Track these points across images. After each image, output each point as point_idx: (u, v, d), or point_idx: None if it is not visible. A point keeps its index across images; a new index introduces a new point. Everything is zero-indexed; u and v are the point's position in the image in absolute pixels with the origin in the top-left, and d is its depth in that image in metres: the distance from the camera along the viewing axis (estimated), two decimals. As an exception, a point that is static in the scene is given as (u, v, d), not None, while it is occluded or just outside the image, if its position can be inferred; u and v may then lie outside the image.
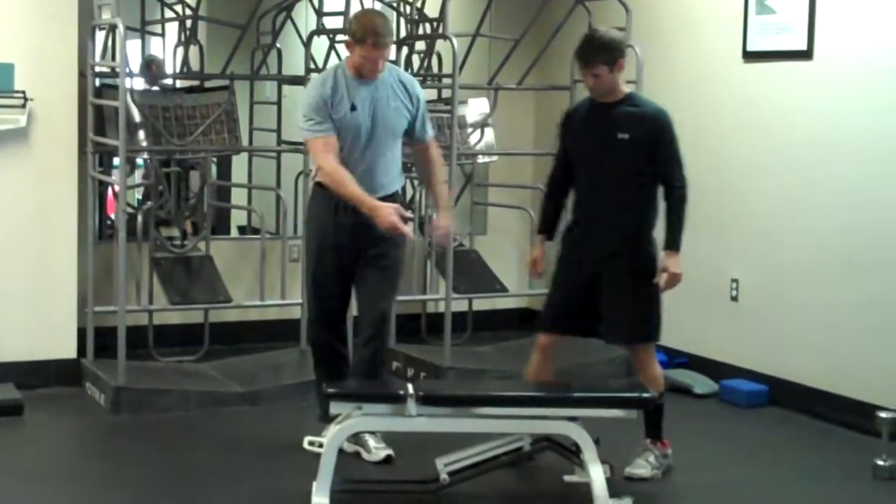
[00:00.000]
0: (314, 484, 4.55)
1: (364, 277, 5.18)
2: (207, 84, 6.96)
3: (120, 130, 5.95)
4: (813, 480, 5.33)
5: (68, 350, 6.37)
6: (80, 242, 6.40)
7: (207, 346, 6.91)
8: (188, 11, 6.88)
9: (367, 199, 4.96)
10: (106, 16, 6.36)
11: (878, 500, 5.15)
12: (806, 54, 6.25)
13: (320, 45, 7.05)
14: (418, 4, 7.22)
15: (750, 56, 6.60)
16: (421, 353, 6.89)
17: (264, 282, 6.88)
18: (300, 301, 6.74)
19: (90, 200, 6.47)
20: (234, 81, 6.81)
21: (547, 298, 5.31)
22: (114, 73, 6.34)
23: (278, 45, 7.25)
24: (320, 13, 6.98)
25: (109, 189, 6.93)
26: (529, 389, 5.14)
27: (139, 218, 6.71)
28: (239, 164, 7.69)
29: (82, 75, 6.35)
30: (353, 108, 5.04)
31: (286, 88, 7.40)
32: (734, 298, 6.73)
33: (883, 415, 5.33)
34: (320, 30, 6.95)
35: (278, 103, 7.43)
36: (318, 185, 5.19)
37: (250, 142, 7.44)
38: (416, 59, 7.37)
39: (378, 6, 7.32)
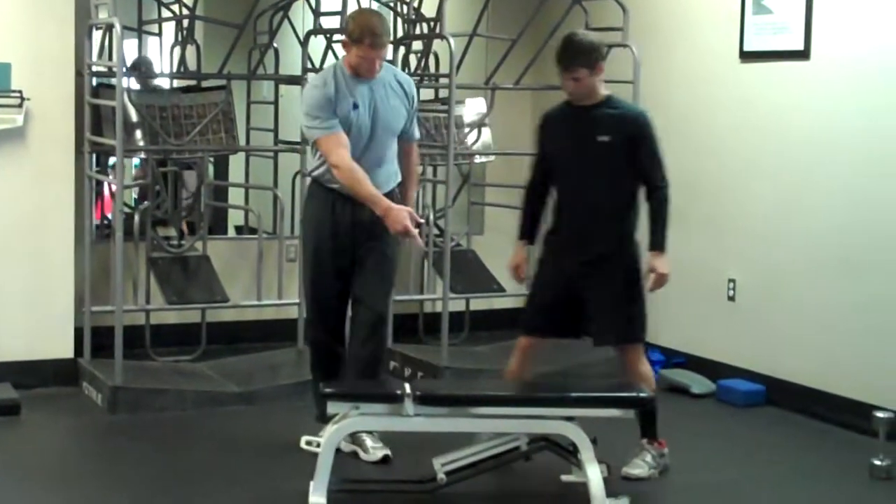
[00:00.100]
0: (311, 484, 4.55)
1: (360, 280, 5.18)
2: (204, 84, 6.95)
3: (117, 130, 5.95)
4: (810, 480, 5.34)
5: (65, 350, 6.37)
6: (76, 242, 6.39)
7: (204, 345, 6.91)
8: (185, 11, 6.89)
9: (383, 201, 4.96)
10: (103, 15, 6.35)
11: (874, 499, 5.16)
12: (803, 54, 6.26)
13: (317, 44, 7.05)
14: (415, 4, 7.21)
15: (747, 56, 6.61)
16: (418, 353, 6.89)
17: (261, 281, 6.89)
18: (297, 301, 6.75)
19: (87, 200, 6.47)
20: (231, 81, 6.82)
21: (528, 300, 5.33)
22: (111, 73, 6.36)
23: (275, 44, 7.24)
24: (317, 13, 6.99)
25: (106, 188, 6.93)
26: (527, 389, 5.15)
27: (136, 218, 6.71)
28: (236, 163, 7.68)
29: (79, 75, 6.35)
30: (355, 106, 5.04)
31: (283, 88, 7.40)
32: (731, 298, 6.74)
33: (880, 415, 5.34)
34: (317, 30, 6.96)
35: (275, 103, 7.42)
36: (315, 181, 5.19)
37: (247, 141, 7.44)
38: (413, 59, 7.37)
39: (375, 6, 7.32)
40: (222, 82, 6.80)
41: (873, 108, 5.93)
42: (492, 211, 7.89)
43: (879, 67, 5.90)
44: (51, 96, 6.21)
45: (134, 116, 6.61)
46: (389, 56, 6.33)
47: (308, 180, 5.35)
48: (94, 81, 6.48)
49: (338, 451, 4.69)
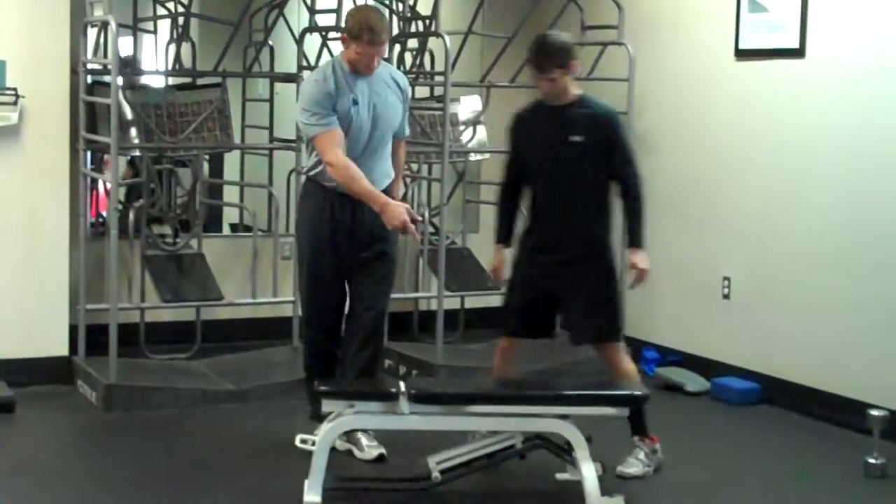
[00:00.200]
0: (306, 482, 4.56)
1: (360, 280, 5.20)
2: (200, 81, 6.96)
3: (112, 128, 5.95)
4: (804, 478, 5.35)
5: (60, 347, 6.38)
6: (71, 239, 6.39)
7: (199, 343, 6.91)
8: (180, 8, 6.88)
9: (380, 197, 4.97)
10: (98, 13, 6.36)
11: (869, 497, 5.17)
12: (798, 52, 6.27)
13: (312, 42, 7.05)
14: (411, 2, 7.22)
15: (742, 54, 6.62)
16: (413, 351, 6.90)
17: (256, 279, 6.88)
18: (292, 299, 6.76)
19: (82, 197, 6.47)
20: (227, 79, 6.84)
21: (504, 301, 5.33)
22: (106, 71, 6.35)
23: (270, 42, 7.27)
24: (312, 10, 6.98)
25: (101, 186, 6.93)
26: (521, 388, 5.16)
27: (131, 215, 6.71)
28: (231, 161, 7.69)
29: (74, 72, 6.35)
30: (355, 102, 5.05)
31: (278, 86, 7.40)
32: (726, 296, 6.75)
33: (874, 413, 5.35)
34: (312, 27, 6.96)
35: (270, 101, 7.42)
36: (311, 180, 5.19)
37: (242, 139, 7.44)
38: (408, 57, 7.38)
39: (371, 3, 7.31)
40: (217, 80, 6.80)
41: (868, 106, 5.94)
42: (487, 209, 7.85)
43: (874, 66, 5.91)
44: (46, 94, 6.21)
45: (129, 114, 6.61)
46: (385, 54, 6.32)
47: (303, 178, 5.35)
48: (90, 79, 6.48)
49: (333, 449, 4.69)
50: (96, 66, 6.50)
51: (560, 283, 5.07)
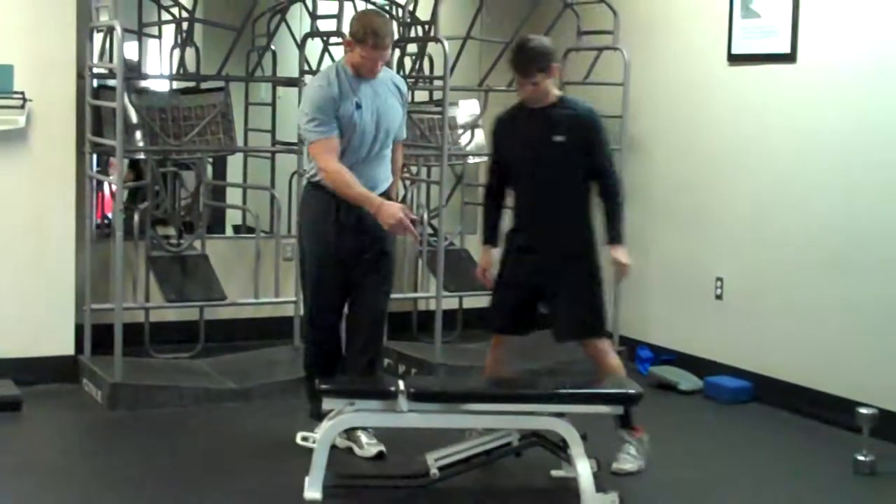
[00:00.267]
0: (307, 479, 4.59)
1: (362, 281, 5.23)
2: (203, 85, 6.98)
3: (117, 131, 5.98)
4: (795, 475, 5.39)
5: (66, 347, 6.42)
6: (77, 241, 6.43)
7: (202, 342, 6.94)
8: (185, 14, 6.89)
9: (374, 199, 5.00)
10: (104, 18, 6.39)
11: (858, 494, 5.21)
12: (790, 57, 6.31)
13: (314, 47, 7.11)
14: (410, 7, 7.26)
15: (735, 59, 6.67)
16: (412, 350, 6.94)
17: (259, 280, 6.94)
18: (294, 299, 6.80)
19: (88, 200, 6.52)
20: (230, 83, 6.86)
21: (491, 299, 5.38)
22: (111, 75, 6.38)
23: (273, 47, 7.29)
24: (314, 16, 7.02)
25: (106, 188, 6.97)
26: (518, 386, 5.20)
27: (136, 217, 6.75)
28: (234, 164, 7.71)
29: (80, 76, 6.39)
30: (358, 105, 5.07)
31: (280, 90, 7.42)
32: (719, 297, 6.79)
33: (864, 411, 5.38)
34: (314, 32, 7.01)
35: (273, 104, 7.44)
36: (315, 185, 5.20)
37: (245, 142, 7.44)
38: (407, 62, 7.42)
39: (372, 8, 7.36)
40: (221, 84, 6.83)
41: (858, 109, 5.99)
42: (485, 211, 7.94)
43: (865, 70, 5.96)
44: (52, 98, 6.26)
45: (134, 117, 6.64)
46: (388, 58, 6.38)
47: (304, 182, 5.39)
48: (95, 83, 6.53)
49: (333, 446, 4.73)
50: (102, 71, 6.55)
51: (545, 280, 5.13)
